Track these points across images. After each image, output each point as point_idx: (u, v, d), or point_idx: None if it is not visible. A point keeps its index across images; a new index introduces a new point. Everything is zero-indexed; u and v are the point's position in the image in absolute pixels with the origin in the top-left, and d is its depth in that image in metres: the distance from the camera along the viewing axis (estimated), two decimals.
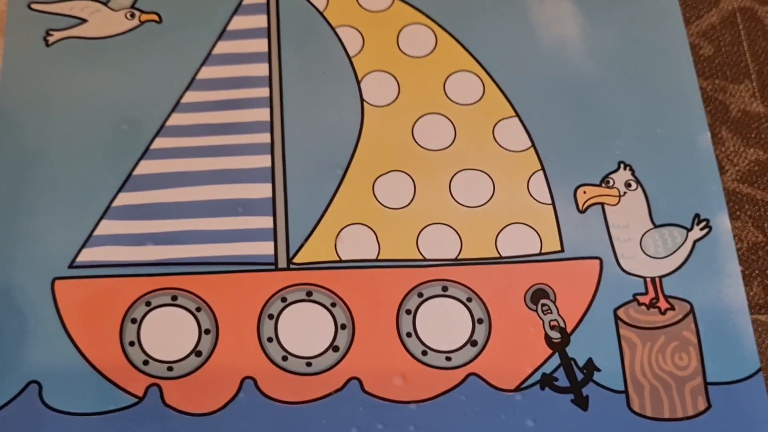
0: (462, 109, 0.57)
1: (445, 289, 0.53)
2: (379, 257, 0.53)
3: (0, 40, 0.58)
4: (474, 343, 0.52)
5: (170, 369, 0.51)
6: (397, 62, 0.58)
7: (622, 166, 0.55)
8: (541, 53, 0.58)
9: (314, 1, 0.60)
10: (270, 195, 0.54)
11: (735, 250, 0.53)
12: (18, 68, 0.57)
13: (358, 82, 0.58)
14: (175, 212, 0.54)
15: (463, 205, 0.55)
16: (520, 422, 0.50)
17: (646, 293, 0.53)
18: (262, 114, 0.56)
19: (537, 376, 0.51)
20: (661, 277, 0.53)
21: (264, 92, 0.57)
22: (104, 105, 0.56)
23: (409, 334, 0.52)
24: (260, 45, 0.58)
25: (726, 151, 0.58)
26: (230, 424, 0.50)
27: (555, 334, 0.52)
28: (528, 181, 0.55)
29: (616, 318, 0.52)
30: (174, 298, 0.52)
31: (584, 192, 0.55)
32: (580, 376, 0.51)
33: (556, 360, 0.51)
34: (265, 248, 0.53)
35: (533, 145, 0.56)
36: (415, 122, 0.57)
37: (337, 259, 0.53)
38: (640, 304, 0.52)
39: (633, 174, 0.55)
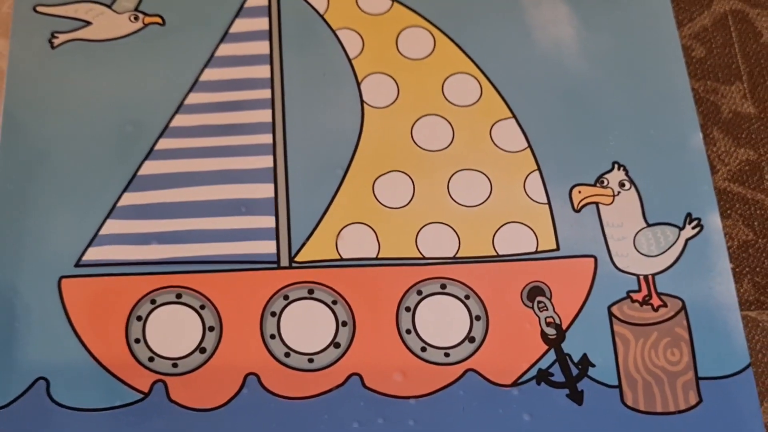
0: (460, 111, 0.57)
1: (443, 286, 0.53)
2: (379, 256, 0.54)
3: (5, 42, 0.59)
4: (472, 340, 0.52)
5: (175, 365, 0.51)
6: (396, 64, 0.58)
7: (616, 166, 0.56)
8: (538, 56, 0.59)
9: (315, 4, 0.60)
10: (272, 195, 0.55)
11: (726, 248, 0.54)
12: (24, 70, 0.57)
13: (358, 84, 0.58)
14: (179, 212, 0.54)
15: (461, 205, 0.55)
16: (517, 416, 0.50)
17: (640, 290, 0.53)
18: (264, 115, 0.57)
19: (533, 372, 0.51)
20: (653, 275, 0.53)
21: (266, 94, 0.57)
22: (109, 106, 0.56)
23: (408, 331, 0.52)
24: (262, 47, 0.59)
25: (717, 151, 0.59)
26: (234, 420, 0.50)
27: (551, 331, 0.52)
28: (524, 181, 0.55)
29: (610, 315, 0.52)
30: (179, 296, 0.52)
31: (579, 192, 0.55)
32: (575, 371, 0.51)
33: (551, 356, 0.52)
34: (267, 247, 0.54)
35: (529, 145, 0.56)
36: (414, 123, 0.57)
37: (338, 257, 0.54)
38: (633, 301, 0.53)
39: (627, 174, 0.55)
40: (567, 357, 0.52)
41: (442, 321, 0.52)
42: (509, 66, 0.58)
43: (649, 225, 0.54)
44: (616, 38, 0.59)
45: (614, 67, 0.58)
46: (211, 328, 0.52)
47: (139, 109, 0.57)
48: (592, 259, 0.54)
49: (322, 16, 0.60)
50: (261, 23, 0.59)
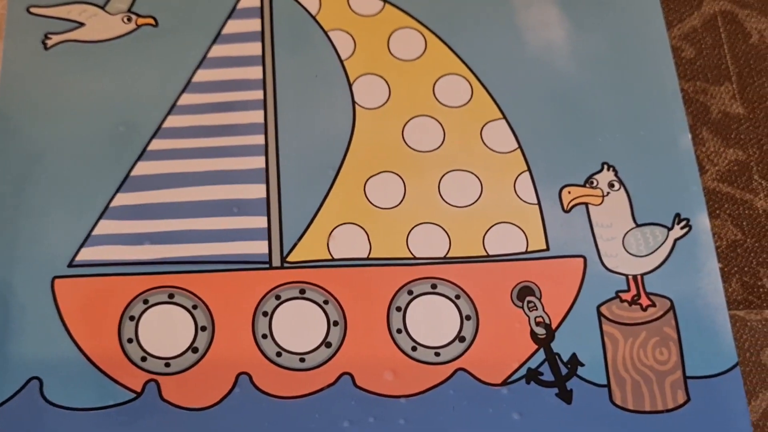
0: (451, 112, 0.58)
1: (434, 286, 0.53)
2: (371, 256, 0.54)
3: None
4: (462, 339, 0.52)
5: (167, 365, 0.51)
6: (387, 65, 0.59)
7: (605, 167, 0.56)
8: (528, 57, 0.59)
9: (307, 6, 0.60)
10: (264, 195, 0.55)
11: (714, 249, 0.54)
12: (17, 71, 0.57)
13: (350, 85, 0.58)
14: (171, 212, 0.54)
15: (451, 205, 0.55)
16: (507, 415, 0.50)
17: (628, 290, 0.53)
18: (257, 116, 0.57)
19: (523, 371, 0.51)
20: (642, 275, 0.54)
21: (258, 95, 0.57)
22: (102, 107, 0.57)
23: (399, 331, 0.52)
24: (254, 48, 0.59)
25: (707, 152, 0.59)
26: (226, 419, 0.50)
27: (540, 330, 0.52)
28: (515, 181, 0.56)
29: (599, 314, 0.53)
30: (171, 296, 0.53)
31: (569, 192, 0.55)
32: (564, 370, 0.51)
33: (541, 355, 0.52)
34: (259, 247, 0.54)
35: (520, 146, 0.57)
36: (406, 124, 0.57)
37: (330, 257, 0.54)
38: (622, 300, 0.53)
39: (616, 174, 0.56)
40: (556, 356, 0.52)
41: (433, 321, 0.53)
42: (500, 67, 0.59)
43: (638, 225, 0.55)
44: (606, 40, 0.60)
45: (604, 68, 0.59)
46: (204, 328, 0.52)
47: (131, 109, 0.57)
48: (582, 259, 0.54)
49: (314, 18, 0.60)
50: (253, 24, 0.60)
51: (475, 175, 0.56)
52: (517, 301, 0.53)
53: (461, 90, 0.58)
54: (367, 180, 0.56)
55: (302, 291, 0.53)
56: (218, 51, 0.59)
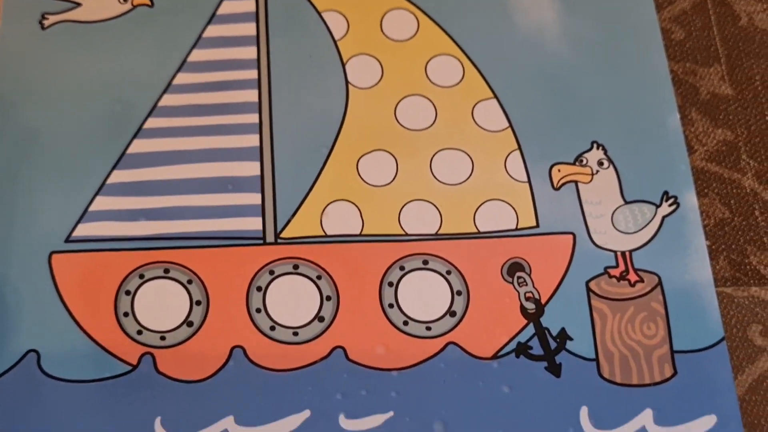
0: (442, 91, 0.58)
1: (425, 262, 0.54)
2: (363, 232, 0.54)
3: None
4: (453, 314, 0.53)
5: (163, 338, 0.52)
6: (380, 46, 0.59)
7: (594, 145, 0.56)
8: (519, 38, 0.59)
9: None
10: (258, 173, 0.55)
11: (701, 226, 0.55)
12: (14, 51, 0.58)
13: (343, 65, 0.58)
14: (167, 189, 0.55)
15: (443, 183, 0.56)
16: (497, 388, 0.51)
17: (617, 266, 0.54)
18: (251, 95, 0.57)
19: (513, 345, 0.52)
20: (631, 251, 0.54)
21: (252, 74, 0.58)
22: (98, 86, 0.57)
23: (391, 305, 0.53)
24: (249, 29, 0.59)
25: (695, 132, 0.60)
26: (220, 391, 0.51)
27: (530, 305, 0.53)
28: (505, 160, 0.56)
29: (588, 290, 0.53)
30: (166, 270, 0.53)
31: (559, 170, 0.56)
32: (553, 344, 0.52)
33: (530, 330, 0.52)
34: (253, 224, 0.54)
35: (510, 125, 0.57)
36: (398, 103, 0.58)
37: (323, 234, 0.54)
38: (610, 276, 0.54)
39: (605, 153, 0.56)
40: (546, 331, 0.52)
41: (424, 296, 0.53)
42: (492, 48, 0.59)
43: (626, 203, 0.55)
44: (596, 21, 0.60)
45: (594, 49, 0.59)
46: (198, 302, 0.53)
47: (128, 88, 0.57)
48: (571, 236, 0.55)
49: None
50: (248, 5, 0.60)
51: (467, 154, 0.57)
52: (507, 276, 0.54)
53: (453, 70, 0.59)
54: (360, 158, 0.56)
55: (296, 266, 0.54)
56: (213, 31, 0.59)
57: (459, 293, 0.53)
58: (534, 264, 0.54)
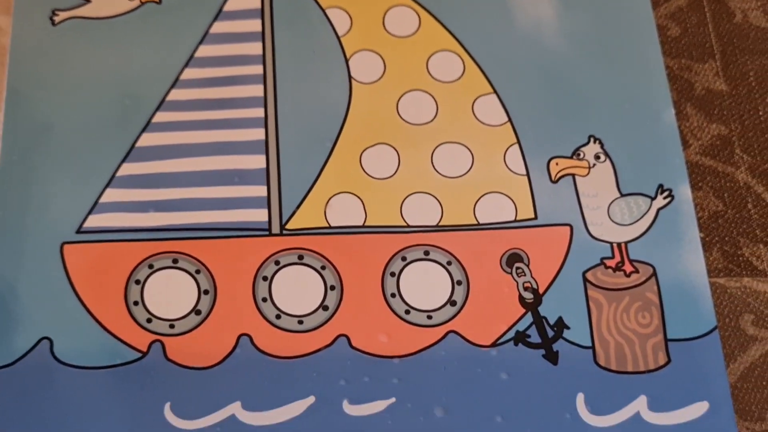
0: (443, 86, 0.59)
1: (426, 253, 0.55)
2: (366, 224, 0.55)
3: (8, 19, 0.59)
4: (453, 303, 0.54)
5: (172, 326, 0.52)
6: (383, 42, 0.60)
7: (591, 139, 0.57)
8: (518, 34, 0.60)
9: None
10: (264, 166, 0.56)
11: (695, 218, 0.55)
12: (26, 46, 0.58)
13: (347, 61, 0.59)
14: (175, 181, 0.55)
15: (444, 176, 0.56)
16: (495, 375, 0.52)
17: (613, 257, 0.54)
18: (256, 90, 0.58)
19: (511, 334, 0.53)
20: (626, 243, 0.55)
21: (258, 69, 0.58)
22: (108, 81, 0.57)
23: (393, 295, 0.54)
24: (254, 25, 0.60)
25: (690, 126, 0.61)
26: (228, 377, 0.51)
27: (528, 295, 0.54)
28: (504, 153, 0.57)
29: (585, 280, 0.54)
30: (175, 261, 0.54)
31: (556, 164, 0.56)
32: (550, 333, 0.53)
33: (528, 318, 0.53)
34: (259, 215, 0.55)
35: (510, 120, 0.58)
36: (400, 98, 0.58)
37: (327, 225, 0.55)
38: (606, 267, 0.54)
39: (602, 147, 0.57)
40: (543, 320, 0.53)
41: (425, 285, 0.54)
42: (491, 44, 0.60)
43: (622, 195, 0.56)
44: (594, 18, 0.60)
45: (592, 45, 0.60)
46: (206, 292, 0.53)
47: (136, 83, 0.57)
48: (568, 228, 0.55)
49: None
50: (253, 1, 0.60)
51: (467, 147, 0.57)
52: (506, 267, 0.54)
53: (454, 65, 0.59)
54: (363, 151, 0.57)
55: (300, 257, 0.54)
56: (219, 27, 0.59)
57: (459, 283, 0.54)
58: (532, 255, 0.54)
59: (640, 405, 0.52)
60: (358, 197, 0.56)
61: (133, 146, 0.56)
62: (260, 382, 0.52)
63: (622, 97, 0.58)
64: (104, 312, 0.53)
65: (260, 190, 0.56)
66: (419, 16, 0.61)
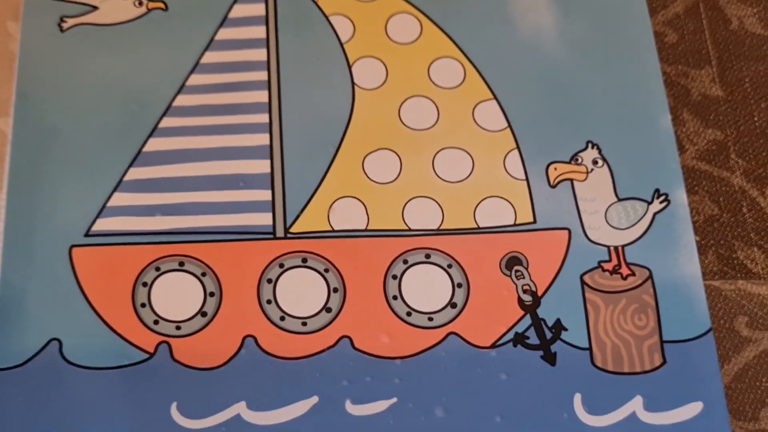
0: (444, 92, 0.59)
1: (428, 256, 0.55)
2: (368, 227, 0.56)
3: (17, 25, 0.60)
4: (454, 305, 0.54)
5: (178, 328, 0.53)
6: (385, 48, 0.60)
7: (589, 145, 0.57)
8: (518, 41, 0.60)
9: None
10: (268, 170, 0.56)
11: (691, 222, 0.56)
12: (34, 52, 0.58)
13: (350, 67, 0.59)
14: (181, 186, 0.56)
15: (445, 180, 0.57)
16: (495, 376, 0.52)
17: (610, 260, 0.55)
18: (261, 96, 0.58)
19: (510, 335, 0.53)
20: (623, 246, 0.55)
21: (262, 75, 0.59)
22: (115, 87, 0.57)
23: (395, 297, 0.54)
24: (259, 32, 0.60)
25: (687, 132, 0.61)
26: (233, 378, 0.52)
27: (527, 297, 0.54)
28: (504, 158, 0.57)
29: (582, 283, 0.54)
30: (181, 263, 0.54)
31: (555, 169, 0.57)
32: (549, 334, 0.53)
33: (527, 320, 0.54)
34: (264, 219, 0.55)
35: (509, 125, 0.58)
36: (402, 104, 0.59)
37: (330, 229, 0.55)
38: (604, 270, 0.55)
39: (600, 152, 0.57)
40: (542, 321, 0.53)
41: (426, 288, 0.54)
42: (491, 50, 0.60)
43: (619, 200, 0.56)
44: (592, 25, 0.61)
45: (590, 52, 0.60)
46: (212, 294, 0.54)
47: (143, 89, 0.58)
48: (566, 231, 0.56)
49: (315, 2, 0.61)
50: (258, 9, 0.61)
51: (467, 152, 0.57)
52: (505, 270, 0.55)
53: (455, 72, 0.60)
54: (366, 156, 0.57)
55: (304, 260, 0.55)
56: (225, 34, 0.60)
57: (459, 286, 0.54)
58: (531, 258, 0.55)
59: (636, 405, 0.52)
60: (361, 201, 0.56)
61: (140, 151, 0.57)
62: (265, 383, 0.52)
63: (619, 102, 0.59)
64: (112, 314, 0.53)
65: (265, 195, 0.56)
66: (421, 23, 0.61)
